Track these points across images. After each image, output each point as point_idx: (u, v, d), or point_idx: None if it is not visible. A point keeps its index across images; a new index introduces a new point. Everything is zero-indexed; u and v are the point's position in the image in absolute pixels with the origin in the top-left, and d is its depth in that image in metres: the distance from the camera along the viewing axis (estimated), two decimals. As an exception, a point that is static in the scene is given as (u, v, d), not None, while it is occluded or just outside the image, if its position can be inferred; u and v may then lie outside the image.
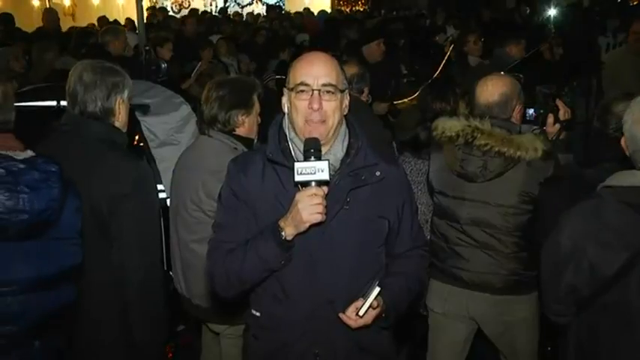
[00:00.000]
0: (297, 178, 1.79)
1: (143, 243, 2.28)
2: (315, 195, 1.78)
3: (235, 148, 2.73)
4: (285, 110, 1.97)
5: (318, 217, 1.79)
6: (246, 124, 2.82)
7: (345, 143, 1.98)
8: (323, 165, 1.78)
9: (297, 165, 1.80)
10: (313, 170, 1.78)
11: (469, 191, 2.74)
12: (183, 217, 2.83)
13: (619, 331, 1.90)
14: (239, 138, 2.79)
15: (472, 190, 2.73)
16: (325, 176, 1.78)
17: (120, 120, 2.40)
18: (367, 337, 2.02)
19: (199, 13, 13.02)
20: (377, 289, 1.90)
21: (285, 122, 1.98)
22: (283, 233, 1.83)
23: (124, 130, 2.46)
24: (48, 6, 11.52)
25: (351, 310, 1.91)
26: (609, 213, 1.89)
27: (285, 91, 1.97)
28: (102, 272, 2.26)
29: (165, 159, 3.55)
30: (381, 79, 4.87)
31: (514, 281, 2.75)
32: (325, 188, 1.82)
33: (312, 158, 1.81)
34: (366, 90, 3.87)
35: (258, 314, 2.05)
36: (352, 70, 3.73)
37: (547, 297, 2.15)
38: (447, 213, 2.84)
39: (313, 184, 1.79)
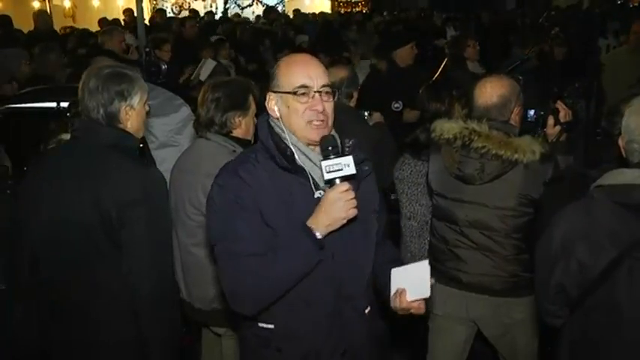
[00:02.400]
0: (327, 176, 1.80)
1: (154, 250, 2.25)
2: (348, 190, 1.80)
3: (234, 151, 2.71)
4: (277, 114, 1.94)
5: (355, 212, 1.82)
6: (243, 126, 2.82)
7: (338, 142, 1.96)
8: (348, 160, 1.80)
9: (324, 163, 1.80)
10: (340, 166, 1.79)
11: (467, 193, 2.74)
12: (182, 221, 2.83)
13: (609, 330, 1.90)
14: (237, 140, 2.79)
15: (470, 192, 2.73)
16: (353, 170, 1.80)
17: (130, 126, 2.34)
18: (379, 326, 2.08)
19: (203, 15, 13.04)
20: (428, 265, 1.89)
21: (278, 125, 1.95)
22: (317, 233, 1.82)
23: (139, 136, 2.41)
24: (48, 8, 11.53)
25: (408, 300, 1.90)
26: (599, 212, 1.90)
27: (275, 94, 1.93)
28: (110, 278, 2.25)
29: (165, 160, 3.54)
30: (411, 85, 4.77)
31: (513, 283, 2.74)
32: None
33: (332, 155, 1.82)
34: (355, 94, 3.76)
35: (271, 326, 1.97)
36: (341, 73, 3.64)
37: (540, 297, 2.16)
38: (446, 215, 2.84)
39: (337, 180, 1.80)
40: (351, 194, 1.80)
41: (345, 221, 1.83)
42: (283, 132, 1.93)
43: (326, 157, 1.82)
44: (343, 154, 1.83)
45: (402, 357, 3.65)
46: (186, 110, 4.00)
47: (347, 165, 1.79)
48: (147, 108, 2.42)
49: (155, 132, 3.81)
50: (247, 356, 2.11)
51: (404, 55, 5.28)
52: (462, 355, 3.01)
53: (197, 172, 2.76)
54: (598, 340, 1.94)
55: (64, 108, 3.61)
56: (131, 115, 2.32)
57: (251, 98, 2.85)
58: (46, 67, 5.23)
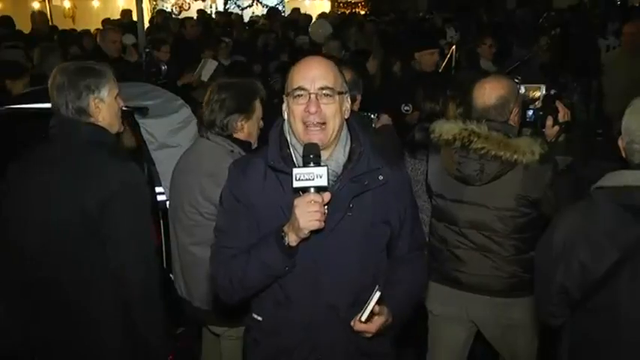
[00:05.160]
0: (296, 184, 1.76)
1: (137, 241, 2.25)
2: (313, 201, 1.76)
3: (232, 151, 2.72)
4: (285, 116, 1.95)
5: (315, 225, 1.77)
6: (246, 129, 2.80)
7: (347, 148, 1.95)
8: (322, 171, 1.76)
9: (295, 171, 1.77)
10: (312, 176, 1.75)
11: (467, 194, 2.74)
12: (181, 220, 2.84)
13: (610, 332, 1.90)
14: (237, 141, 2.78)
15: (470, 193, 2.73)
16: (324, 182, 1.75)
17: (102, 119, 2.32)
18: (369, 341, 2.01)
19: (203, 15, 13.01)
20: (377, 295, 1.86)
21: (286, 127, 1.96)
22: (286, 239, 1.81)
23: (114, 130, 2.39)
24: (48, 8, 11.52)
25: (355, 319, 1.90)
26: (599, 213, 1.90)
27: (284, 96, 1.95)
28: (98, 273, 2.25)
29: (165, 161, 3.55)
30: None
31: (513, 284, 2.74)
32: (328, 195, 1.79)
33: (312, 164, 1.79)
34: (358, 97, 3.76)
35: (260, 318, 2.03)
36: (346, 76, 3.62)
37: (540, 297, 2.15)
38: (446, 215, 2.84)
39: (312, 190, 1.77)
40: (315, 207, 1.75)
41: (307, 232, 1.78)
42: (287, 133, 1.95)
43: (305, 165, 1.80)
44: (319, 165, 1.79)
45: (402, 357, 3.65)
46: (186, 111, 4.01)
47: (319, 176, 1.75)
48: (120, 102, 2.40)
49: (154, 133, 3.81)
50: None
51: (428, 59, 5.27)
52: (462, 356, 3.01)
53: (196, 171, 2.77)
54: (599, 341, 1.94)
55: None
56: (101, 107, 2.32)
57: (257, 102, 2.83)
58: (47, 68, 5.24)
